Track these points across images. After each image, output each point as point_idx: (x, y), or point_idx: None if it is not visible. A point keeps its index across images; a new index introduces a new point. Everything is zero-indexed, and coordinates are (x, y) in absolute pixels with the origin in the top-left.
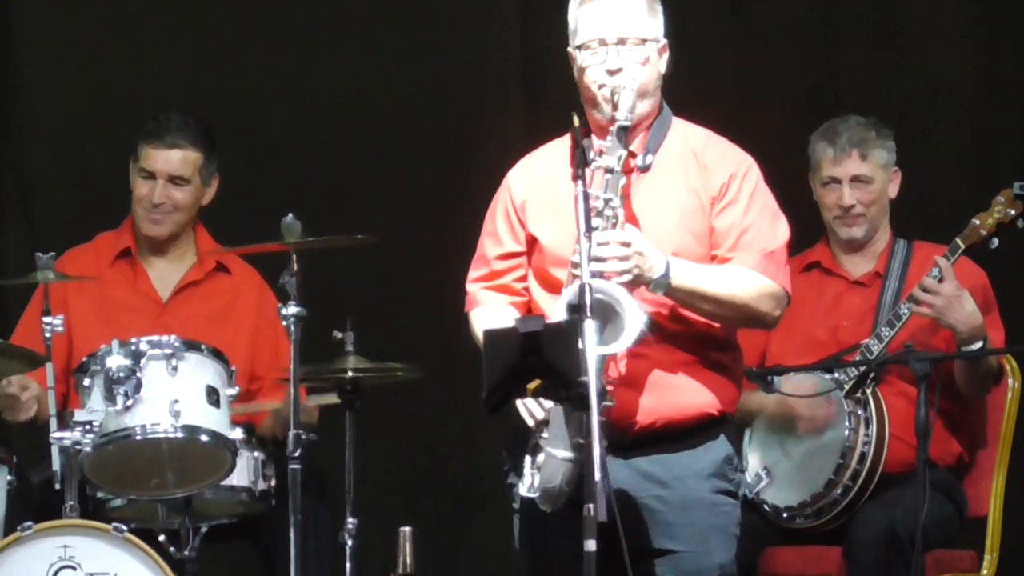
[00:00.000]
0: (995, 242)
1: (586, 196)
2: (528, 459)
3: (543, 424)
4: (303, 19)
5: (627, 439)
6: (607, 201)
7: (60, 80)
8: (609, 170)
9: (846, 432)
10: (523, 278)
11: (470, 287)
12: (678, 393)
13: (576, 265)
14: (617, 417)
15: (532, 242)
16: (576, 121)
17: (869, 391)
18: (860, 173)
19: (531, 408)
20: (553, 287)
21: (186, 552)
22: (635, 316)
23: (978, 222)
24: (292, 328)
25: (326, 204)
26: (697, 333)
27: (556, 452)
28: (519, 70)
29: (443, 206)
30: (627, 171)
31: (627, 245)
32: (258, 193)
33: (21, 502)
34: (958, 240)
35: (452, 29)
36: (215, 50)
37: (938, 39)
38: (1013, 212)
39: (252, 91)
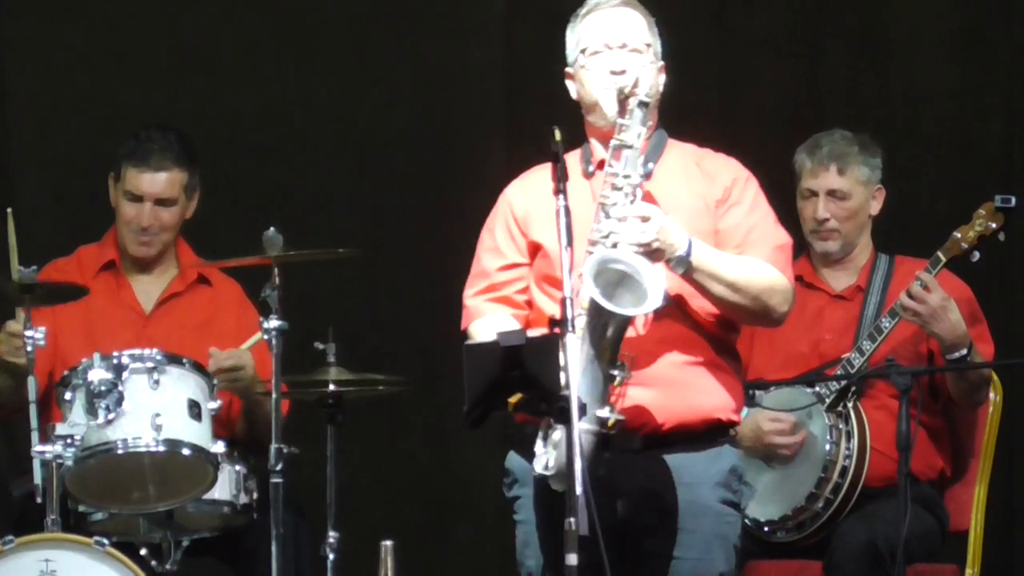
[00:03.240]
0: (976, 255)
1: (567, 211)
2: (540, 441)
3: None
4: (285, 32)
5: (636, 441)
6: (626, 177)
7: (42, 92)
8: (627, 146)
9: (827, 446)
10: (524, 290)
11: (469, 301)
12: (689, 393)
13: (593, 243)
14: (628, 416)
15: (535, 251)
16: (558, 135)
17: (851, 405)
18: (836, 187)
19: None
20: (556, 289)
21: (168, 566)
22: (655, 278)
23: (959, 235)
24: (273, 342)
25: (308, 217)
26: (706, 333)
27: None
28: (502, 83)
29: (425, 218)
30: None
31: (646, 219)
32: (240, 206)
33: (2, 516)
34: (939, 253)
35: (434, 42)
36: (197, 63)
37: (920, 53)
38: (994, 225)
39: (234, 104)
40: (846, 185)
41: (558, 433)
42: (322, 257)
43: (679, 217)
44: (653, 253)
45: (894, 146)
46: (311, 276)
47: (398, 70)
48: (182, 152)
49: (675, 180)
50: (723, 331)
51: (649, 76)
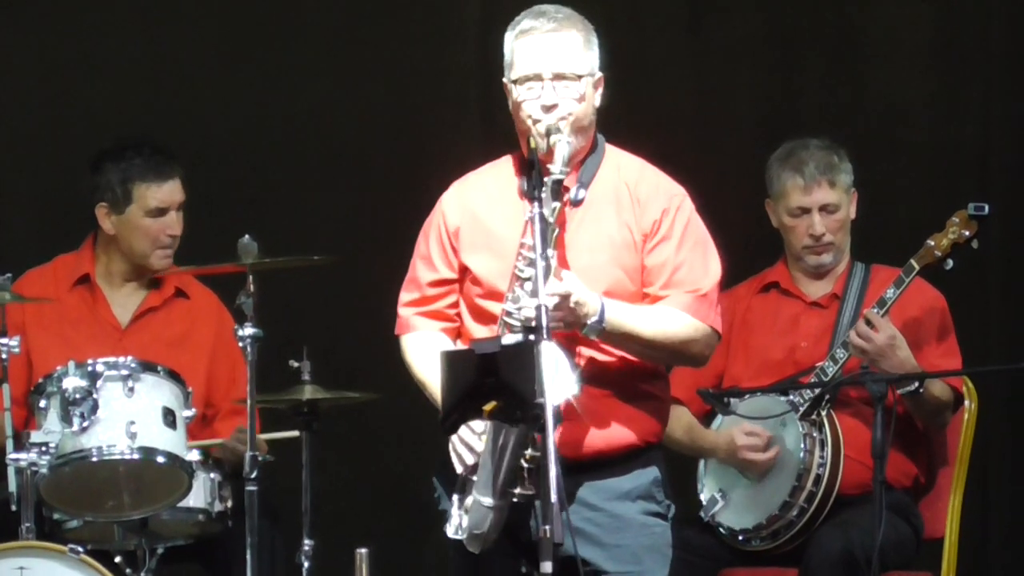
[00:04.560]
0: (950, 263)
1: (543, 218)
2: (456, 497)
3: (473, 469)
4: (261, 39)
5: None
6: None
7: (19, 100)
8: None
9: (801, 454)
10: (455, 304)
11: (402, 311)
12: (607, 425)
13: (509, 314)
14: None
15: (464, 271)
16: (534, 144)
17: (824, 413)
18: (830, 201)
19: (462, 453)
20: (483, 318)
21: (142, 573)
22: (567, 381)
23: (933, 243)
24: (248, 349)
25: (284, 225)
26: (627, 365)
27: (483, 499)
28: (478, 92)
29: (400, 226)
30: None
31: (565, 297)
32: (216, 214)
33: None
34: (913, 261)
35: (411, 51)
36: (173, 71)
37: (896, 61)
38: (968, 233)
39: (210, 111)
40: (836, 197)
41: (471, 499)
42: (297, 264)
43: (604, 253)
44: (565, 327)
45: (870, 154)
46: (286, 284)
47: (374, 77)
48: (173, 157)
49: (604, 209)
50: (644, 361)
51: (564, 149)
